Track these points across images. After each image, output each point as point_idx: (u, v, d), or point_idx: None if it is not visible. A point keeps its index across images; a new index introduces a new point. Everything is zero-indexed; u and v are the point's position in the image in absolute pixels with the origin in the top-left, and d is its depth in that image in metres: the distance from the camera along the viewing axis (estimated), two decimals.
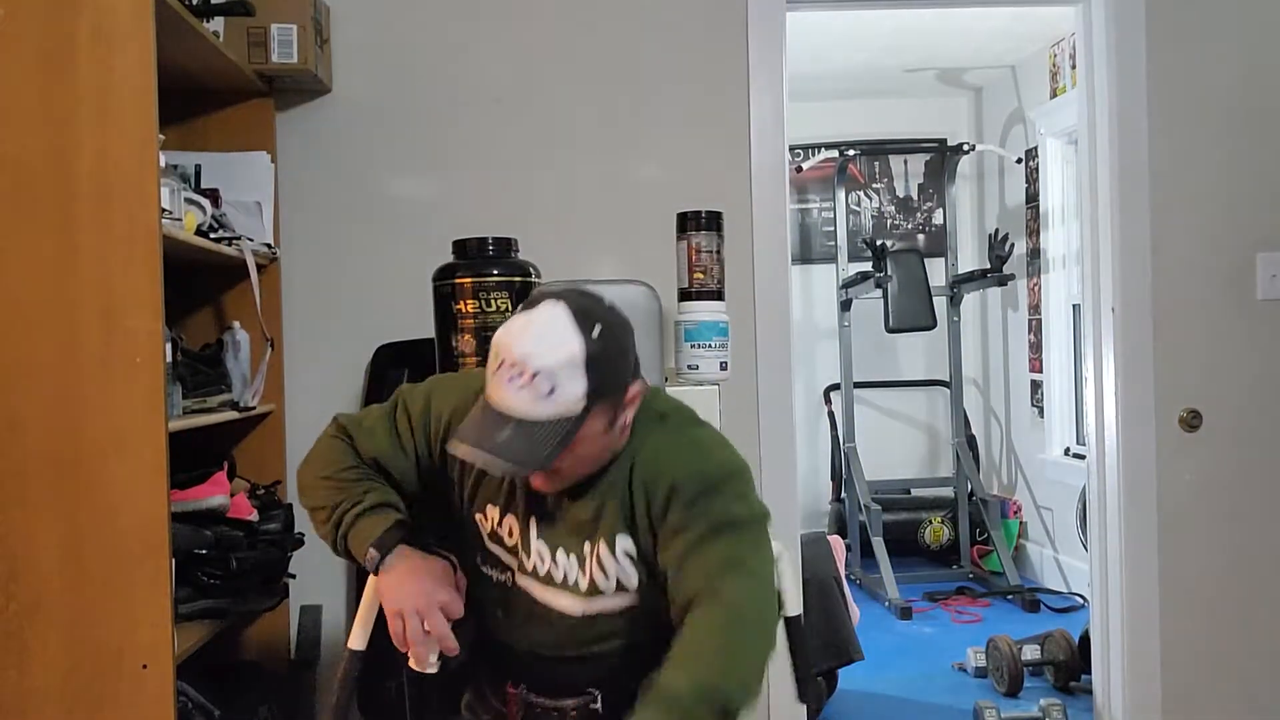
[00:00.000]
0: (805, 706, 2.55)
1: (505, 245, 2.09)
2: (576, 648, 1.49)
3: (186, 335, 2.33)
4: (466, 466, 1.47)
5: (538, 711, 1.53)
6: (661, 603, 1.39)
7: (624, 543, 1.41)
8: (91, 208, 1.69)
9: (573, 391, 1.30)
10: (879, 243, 4.67)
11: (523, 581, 1.48)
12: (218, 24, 2.21)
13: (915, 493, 5.17)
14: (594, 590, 1.43)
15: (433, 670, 1.41)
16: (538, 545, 1.45)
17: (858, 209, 5.49)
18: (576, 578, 1.43)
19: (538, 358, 1.28)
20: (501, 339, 1.32)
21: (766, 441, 2.51)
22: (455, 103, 2.53)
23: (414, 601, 1.42)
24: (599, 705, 1.52)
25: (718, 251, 2.07)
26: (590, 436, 1.35)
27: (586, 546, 1.43)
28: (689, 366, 2.03)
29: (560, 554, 1.44)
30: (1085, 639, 3.11)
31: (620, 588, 1.43)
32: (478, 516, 1.50)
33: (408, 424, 1.51)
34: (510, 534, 1.47)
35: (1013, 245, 4.57)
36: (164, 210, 1.78)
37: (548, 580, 1.46)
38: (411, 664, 1.42)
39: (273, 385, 2.40)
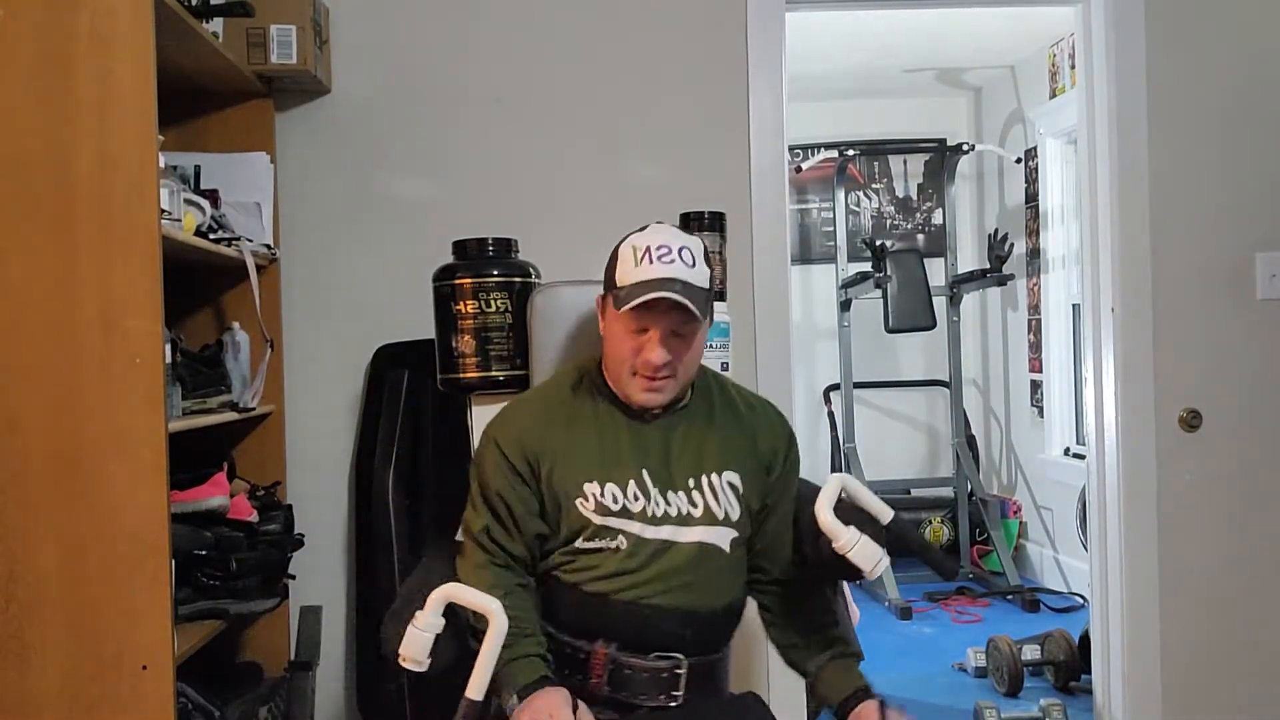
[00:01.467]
0: (806, 703, 2.55)
1: (505, 246, 2.09)
2: (681, 593, 1.59)
3: (186, 336, 2.33)
4: (554, 468, 1.62)
5: (625, 672, 1.58)
6: (744, 551, 1.66)
7: (730, 476, 1.64)
8: (91, 209, 1.69)
9: (705, 271, 1.60)
10: (878, 243, 4.67)
11: (641, 532, 1.60)
12: (217, 25, 2.20)
13: (915, 493, 5.17)
14: (710, 517, 1.62)
15: (420, 669, 1.42)
16: (655, 492, 1.62)
17: (857, 209, 5.49)
18: (689, 510, 1.61)
19: (677, 240, 1.60)
20: (637, 241, 1.61)
21: None
22: (455, 103, 2.53)
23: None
24: (683, 671, 1.59)
25: (719, 252, 2.07)
26: (698, 343, 1.63)
27: (692, 481, 1.63)
28: None
29: (671, 494, 1.62)
30: (1085, 639, 3.11)
31: (728, 519, 1.63)
32: (579, 502, 1.61)
33: (512, 462, 1.64)
34: (615, 500, 1.61)
35: (1012, 245, 4.57)
36: (163, 211, 1.77)
37: (665, 519, 1.61)
38: (401, 661, 1.43)
39: (272, 386, 2.39)
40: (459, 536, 1.69)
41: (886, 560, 1.50)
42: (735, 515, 1.64)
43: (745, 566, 1.69)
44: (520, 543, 1.63)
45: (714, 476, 1.64)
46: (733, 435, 1.68)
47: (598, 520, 1.60)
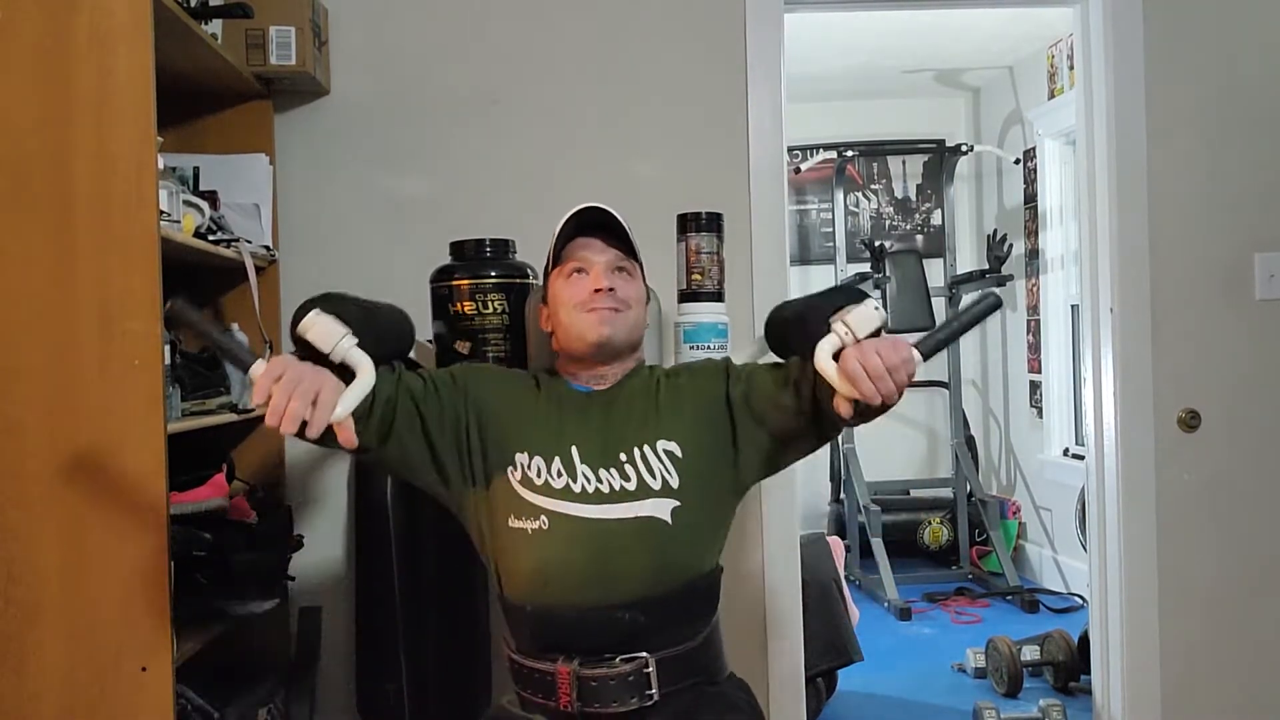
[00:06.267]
0: (805, 706, 2.55)
1: (503, 246, 2.09)
2: (626, 576, 1.55)
3: (185, 337, 2.33)
4: (494, 422, 1.64)
5: (592, 684, 1.55)
6: (702, 525, 1.62)
7: (666, 444, 1.61)
8: (90, 210, 1.69)
9: (628, 225, 1.68)
10: (877, 244, 4.67)
11: (565, 510, 1.58)
12: (216, 26, 2.20)
13: (914, 494, 5.17)
14: (645, 490, 1.58)
15: (306, 353, 1.46)
16: (583, 469, 1.60)
17: (856, 210, 5.50)
18: (622, 485, 1.59)
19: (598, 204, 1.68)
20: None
21: None
22: (454, 104, 2.53)
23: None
24: (652, 670, 1.55)
25: (717, 253, 2.07)
26: (639, 285, 1.69)
27: (624, 455, 1.60)
28: None
29: (603, 471, 1.60)
30: (1084, 639, 3.11)
31: (665, 488, 1.59)
32: (508, 470, 1.61)
33: (460, 384, 1.68)
34: (539, 474, 1.60)
35: (1011, 246, 4.58)
36: (162, 212, 1.77)
37: (595, 497, 1.58)
38: (301, 331, 1.48)
39: None
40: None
41: (880, 309, 1.46)
42: (675, 483, 1.59)
43: (704, 544, 1.64)
44: (422, 392, 1.64)
45: (645, 448, 1.61)
46: (666, 404, 1.66)
47: (521, 492, 1.59)
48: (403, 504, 2.43)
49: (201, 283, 2.38)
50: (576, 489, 1.59)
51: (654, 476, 1.59)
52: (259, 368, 1.39)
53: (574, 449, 1.61)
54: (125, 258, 1.69)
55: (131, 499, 1.70)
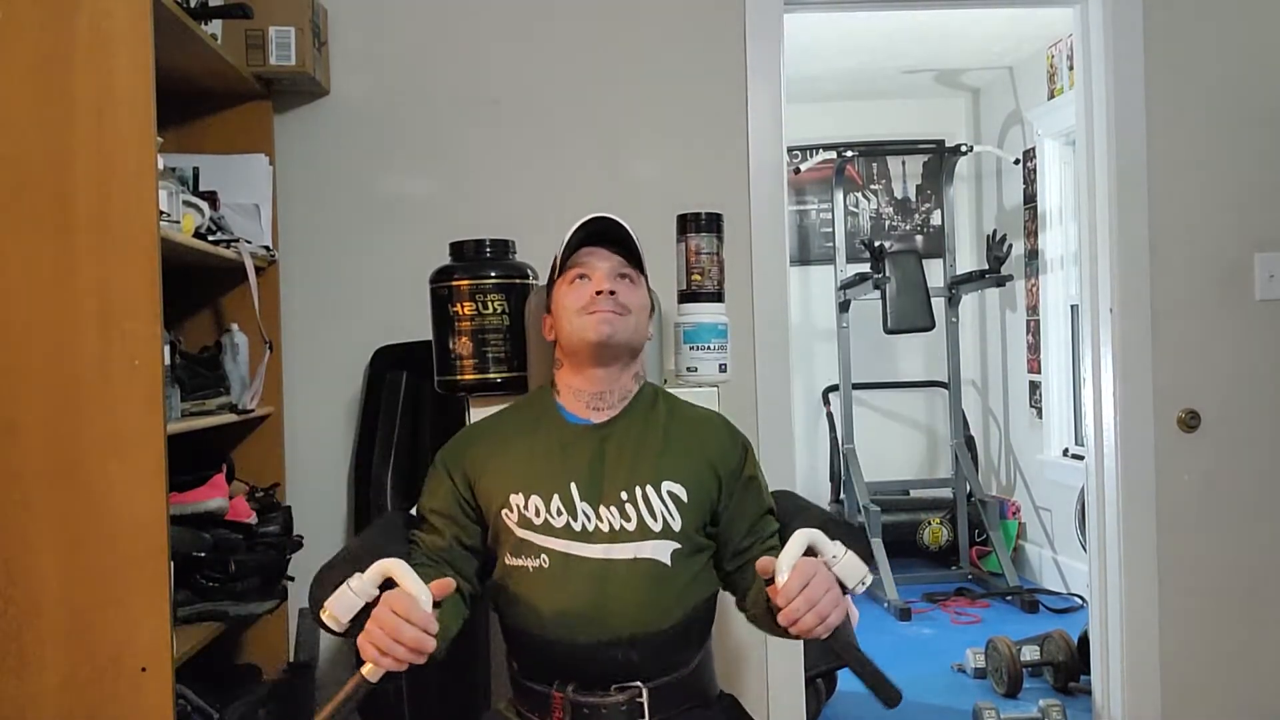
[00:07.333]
0: (806, 705, 2.55)
1: (502, 247, 2.09)
2: (623, 616, 1.54)
3: (185, 338, 2.33)
4: (482, 479, 1.64)
5: (585, 711, 1.56)
6: (697, 564, 1.60)
7: (671, 486, 1.60)
8: (90, 210, 1.69)
9: (634, 236, 1.69)
10: (877, 244, 4.66)
11: (566, 549, 1.57)
12: (216, 26, 2.21)
13: (914, 494, 5.17)
14: (644, 531, 1.58)
15: (339, 630, 1.42)
16: (583, 507, 1.59)
17: (856, 210, 5.49)
18: (621, 524, 1.58)
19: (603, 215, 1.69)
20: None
21: (765, 443, 2.51)
22: (453, 104, 2.53)
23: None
24: (644, 700, 1.56)
25: (717, 253, 2.07)
26: (642, 290, 1.69)
27: (625, 494, 1.59)
28: (688, 368, 2.03)
29: (603, 509, 1.58)
30: (1084, 640, 3.11)
31: (666, 530, 1.58)
32: (504, 513, 1.61)
33: (447, 475, 1.68)
34: (537, 513, 1.59)
35: (1011, 246, 4.57)
36: (162, 213, 1.78)
37: (595, 536, 1.57)
38: (321, 614, 1.43)
39: (271, 388, 2.40)
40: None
41: (870, 578, 1.48)
42: (676, 526, 1.58)
43: (701, 579, 1.62)
44: (445, 539, 1.63)
45: (649, 488, 1.59)
46: (675, 445, 1.65)
47: (519, 533, 1.59)
48: (402, 505, 2.43)
49: (201, 283, 2.38)
50: (577, 528, 1.58)
51: (655, 518, 1.58)
52: (368, 669, 1.37)
53: (573, 486, 1.60)
54: (125, 258, 1.70)
55: (131, 499, 1.70)
